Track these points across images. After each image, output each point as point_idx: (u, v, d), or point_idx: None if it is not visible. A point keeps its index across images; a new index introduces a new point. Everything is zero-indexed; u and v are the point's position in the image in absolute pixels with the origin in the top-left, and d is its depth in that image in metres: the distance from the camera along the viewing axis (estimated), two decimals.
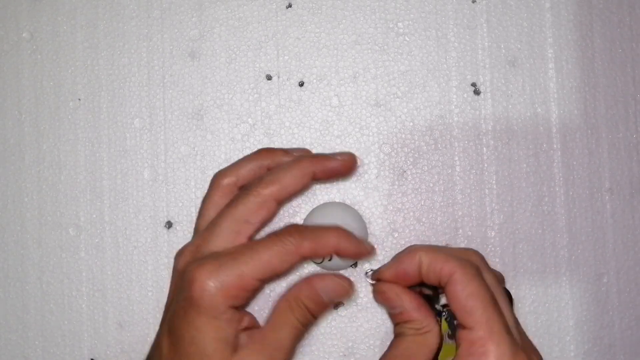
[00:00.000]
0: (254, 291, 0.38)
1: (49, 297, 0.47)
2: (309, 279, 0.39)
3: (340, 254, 0.39)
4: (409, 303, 0.39)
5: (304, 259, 0.39)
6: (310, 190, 0.47)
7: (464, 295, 0.37)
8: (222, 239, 0.40)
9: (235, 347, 0.38)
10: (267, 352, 0.38)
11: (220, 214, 0.40)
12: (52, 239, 0.47)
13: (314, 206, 0.46)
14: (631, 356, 0.47)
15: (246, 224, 0.40)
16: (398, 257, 0.40)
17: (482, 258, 0.41)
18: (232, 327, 0.38)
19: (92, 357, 0.47)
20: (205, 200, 0.43)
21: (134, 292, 0.47)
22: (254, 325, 0.39)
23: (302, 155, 0.43)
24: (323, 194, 0.47)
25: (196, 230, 0.43)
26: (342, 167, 0.42)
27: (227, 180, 0.43)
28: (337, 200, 0.47)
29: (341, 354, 0.46)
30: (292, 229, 0.39)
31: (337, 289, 0.39)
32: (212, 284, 0.37)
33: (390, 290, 0.40)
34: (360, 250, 0.40)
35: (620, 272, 0.47)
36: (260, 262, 0.38)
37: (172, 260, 0.42)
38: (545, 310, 0.46)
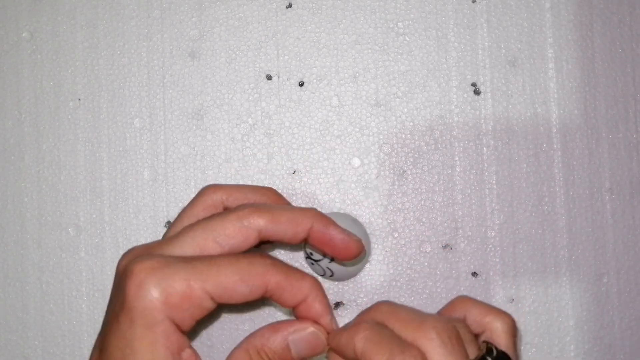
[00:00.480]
0: (202, 309, 0.32)
1: (49, 297, 0.47)
2: (277, 326, 0.34)
3: (298, 311, 0.34)
4: None
5: (268, 292, 0.32)
6: (311, 195, 0.47)
7: None
8: (180, 249, 0.33)
9: None
10: None
11: (192, 224, 0.34)
12: (52, 239, 0.47)
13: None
14: (631, 356, 0.47)
15: (214, 243, 0.33)
16: (341, 330, 0.33)
17: (446, 333, 0.32)
18: (168, 348, 0.31)
19: None
20: (186, 208, 0.38)
21: None
22: None
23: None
24: (324, 195, 0.47)
25: (164, 237, 0.38)
26: (341, 243, 0.35)
27: (216, 196, 0.37)
28: (339, 204, 0.47)
29: None
30: (266, 254, 0.34)
31: (313, 344, 0.33)
32: (151, 283, 0.31)
33: (334, 358, 0.33)
34: (323, 319, 0.33)
35: (620, 272, 0.47)
36: (216, 275, 0.31)
37: None
38: (545, 310, 0.46)
